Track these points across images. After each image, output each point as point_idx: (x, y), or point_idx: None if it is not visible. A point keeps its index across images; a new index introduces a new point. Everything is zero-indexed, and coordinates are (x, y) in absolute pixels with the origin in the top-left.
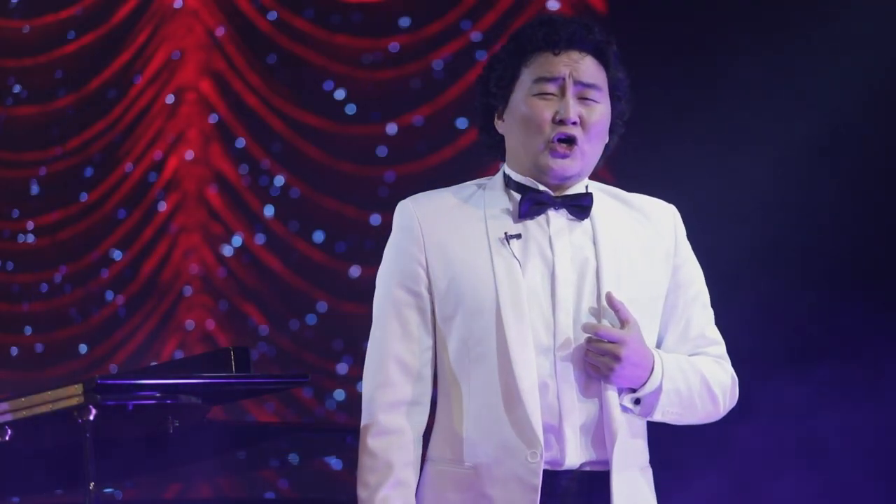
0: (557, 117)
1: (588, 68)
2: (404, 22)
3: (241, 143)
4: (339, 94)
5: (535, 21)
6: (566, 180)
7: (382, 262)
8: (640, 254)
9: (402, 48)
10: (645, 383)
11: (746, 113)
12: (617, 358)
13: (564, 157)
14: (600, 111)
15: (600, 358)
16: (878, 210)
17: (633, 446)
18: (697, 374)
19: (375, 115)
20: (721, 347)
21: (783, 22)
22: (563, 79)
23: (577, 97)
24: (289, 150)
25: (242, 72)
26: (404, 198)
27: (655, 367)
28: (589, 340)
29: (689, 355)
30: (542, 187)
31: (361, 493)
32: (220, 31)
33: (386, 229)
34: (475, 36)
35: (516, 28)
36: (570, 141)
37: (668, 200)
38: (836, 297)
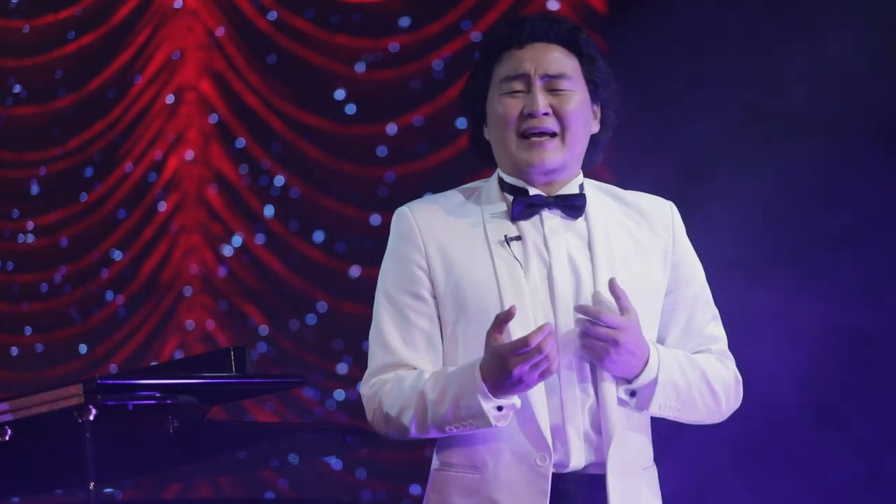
0: (525, 111)
1: (554, 59)
2: (404, 22)
3: (241, 143)
4: (339, 94)
5: (500, 22)
6: (552, 174)
7: (382, 271)
8: (636, 252)
9: (402, 48)
10: (640, 374)
11: (748, 110)
12: (615, 343)
13: (541, 148)
14: (575, 100)
15: (597, 342)
16: None
17: (633, 447)
18: (697, 371)
19: (376, 115)
20: (723, 344)
21: (788, 14)
22: (528, 74)
23: (545, 89)
24: (289, 150)
25: (242, 72)
26: (404, 198)
27: (651, 358)
28: (587, 324)
29: (693, 353)
30: (533, 189)
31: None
32: (220, 31)
33: (386, 229)
34: (475, 36)
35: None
36: (545, 134)
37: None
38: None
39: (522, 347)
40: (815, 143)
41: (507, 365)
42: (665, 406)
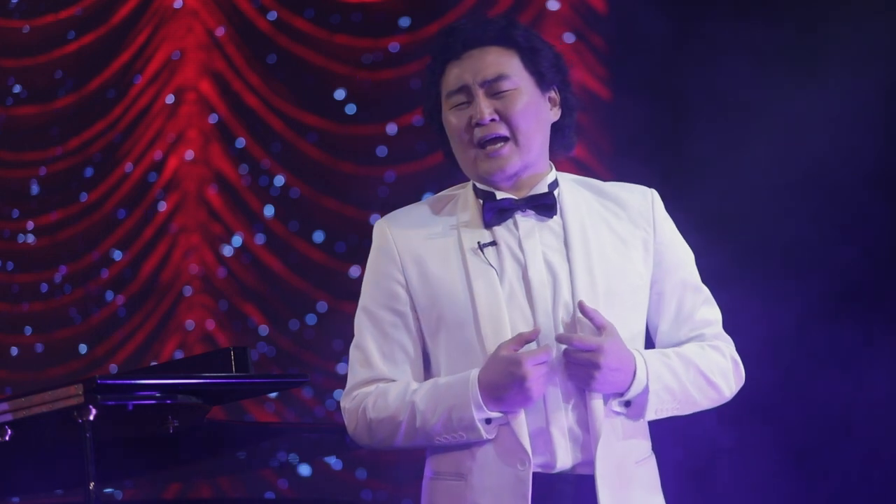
0: (473, 121)
1: (491, 62)
2: (404, 22)
3: (241, 143)
4: (339, 94)
5: (437, 35)
6: (516, 177)
7: (364, 284)
8: (614, 245)
9: (402, 48)
10: (630, 387)
11: (749, 110)
12: (596, 366)
13: (497, 156)
14: (520, 98)
15: (579, 368)
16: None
17: (624, 443)
18: (691, 367)
19: (376, 115)
20: (717, 327)
21: (786, 18)
22: (468, 84)
23: (488, 95)
24: (289, 150)
25: (242, 72)
26: (404, 198)
27: (638, 369)
28: (566, 351)
29: (686, 339)
30: (501, 194)
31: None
32: (220, 31)
33: None
34: None
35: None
36: (497, 140)
37: (671, 201)
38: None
39: (543, 356)
40: (814, 143)
41: (522, 372)
42: (662, 410)
